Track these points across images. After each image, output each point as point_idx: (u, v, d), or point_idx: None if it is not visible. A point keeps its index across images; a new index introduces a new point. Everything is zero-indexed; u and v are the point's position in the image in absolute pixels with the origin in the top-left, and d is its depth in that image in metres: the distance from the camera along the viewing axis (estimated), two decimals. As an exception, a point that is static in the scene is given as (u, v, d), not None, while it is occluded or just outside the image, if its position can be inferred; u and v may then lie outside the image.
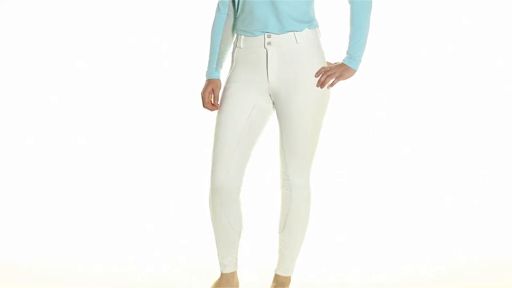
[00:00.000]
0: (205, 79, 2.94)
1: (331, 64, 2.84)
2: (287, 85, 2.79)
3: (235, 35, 2.89)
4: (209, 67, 2.93)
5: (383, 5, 4.08)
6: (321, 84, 2.79)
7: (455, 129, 4.44)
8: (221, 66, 2.95)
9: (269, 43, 2.78)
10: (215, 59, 2.92)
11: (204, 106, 2.92)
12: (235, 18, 2.89)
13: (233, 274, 3.01)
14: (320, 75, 2.79)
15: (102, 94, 4.48)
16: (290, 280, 3.04)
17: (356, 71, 2.82)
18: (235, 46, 2.88)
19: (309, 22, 2.80)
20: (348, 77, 2.83)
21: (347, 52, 2.82)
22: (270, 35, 2.77)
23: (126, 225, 4.04)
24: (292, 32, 2.77)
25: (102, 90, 4.48)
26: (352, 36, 2.81)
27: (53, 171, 4.45)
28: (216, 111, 2.89)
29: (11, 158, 4.48)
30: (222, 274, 3.00)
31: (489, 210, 4.18)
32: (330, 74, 2.79)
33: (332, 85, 2.81)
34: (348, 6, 2.82)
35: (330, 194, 4.12)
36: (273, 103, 2.85)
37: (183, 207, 4.18)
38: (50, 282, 3.27)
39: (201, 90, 2.93)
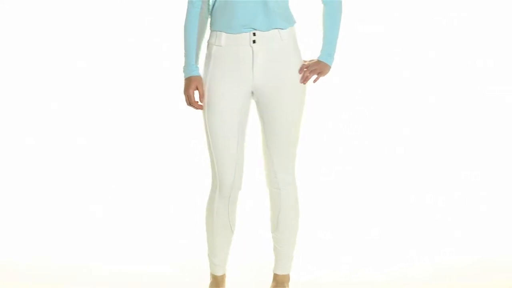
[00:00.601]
0: (185, 77, 2.81)
1: (306, 61, 2.85)
2: (272, 83, 2.77)
3: (210, 31, 2.81)
4: (188, 63, 2.80)
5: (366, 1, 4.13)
6: (304, 79, 2.79)
7: (443, 127, 4.45)
8: (198, 62, 2.84)
9: (254, 41, 2.74)
10: (193, 55, 2.81)
11: (190, 105, 2.81)
12: (209, 13, 2.81)
13: (224, 277, 3.02)
14: (303, 71, 2.80)
15: (102, 94, 4.48)
16: (289, 278, 3.04)
17: (331, 67, 2.85)
18: (212, 44, 2.79)
19: (291, 20, 2.80)
20: (326, 73, 2.84)
21: (323, 50, 2.83)
22: (255, 33, 2.74)
23: (126, 225, 4.03)
24: (277, 30, 2.75)
25: (102, 90, 4.48)
26: (326, 35, 2.82)
27: (53, 171, 4.45)
28: (200, 110, 2.81)
29: (11, 158, 4.48)
30: (215, 276, 3.00)
31: (479, 210, 4.16)
32: (312, 70, 2.80)
33: (315, 81, 2.83)
34: (321, 6, 2.83)
35: (317, 193, 4.12)
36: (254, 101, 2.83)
37: (183, 207, 4.18)
38: (50, 282, 3.27)
39: (182, 89, 2.81)
